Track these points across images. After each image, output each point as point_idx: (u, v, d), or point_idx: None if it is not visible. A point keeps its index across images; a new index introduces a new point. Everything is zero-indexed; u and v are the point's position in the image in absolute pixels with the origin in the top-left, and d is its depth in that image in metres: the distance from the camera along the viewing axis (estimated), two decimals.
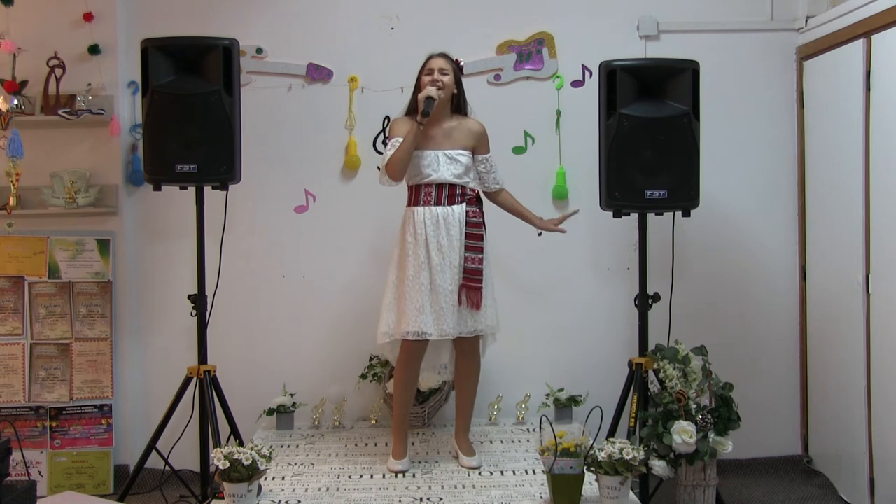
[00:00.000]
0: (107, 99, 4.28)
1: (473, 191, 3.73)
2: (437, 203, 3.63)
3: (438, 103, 3.59)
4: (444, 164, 3.64)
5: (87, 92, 4.22)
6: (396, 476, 3.60)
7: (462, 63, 3.83)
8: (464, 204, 3.65)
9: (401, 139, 3.61)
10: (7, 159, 3.94)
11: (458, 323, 3.60)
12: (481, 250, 3.65)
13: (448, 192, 3.64)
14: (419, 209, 3.63)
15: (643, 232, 3.77)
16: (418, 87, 3.68)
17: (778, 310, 4.50)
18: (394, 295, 3.66)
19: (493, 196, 3.86)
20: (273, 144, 4.40)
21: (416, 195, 3.66)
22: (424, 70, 3.68)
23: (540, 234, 3.89)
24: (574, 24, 4.41)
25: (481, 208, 3.74)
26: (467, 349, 3.72)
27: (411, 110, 3.73)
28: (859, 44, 3.81)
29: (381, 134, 4.42)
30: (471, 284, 3.61)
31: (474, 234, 3.65)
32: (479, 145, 3.74)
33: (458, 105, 3.76)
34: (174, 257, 4.40)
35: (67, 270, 4.29)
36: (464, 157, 3.68)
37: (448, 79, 3.65)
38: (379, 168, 3.74)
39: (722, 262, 4.47)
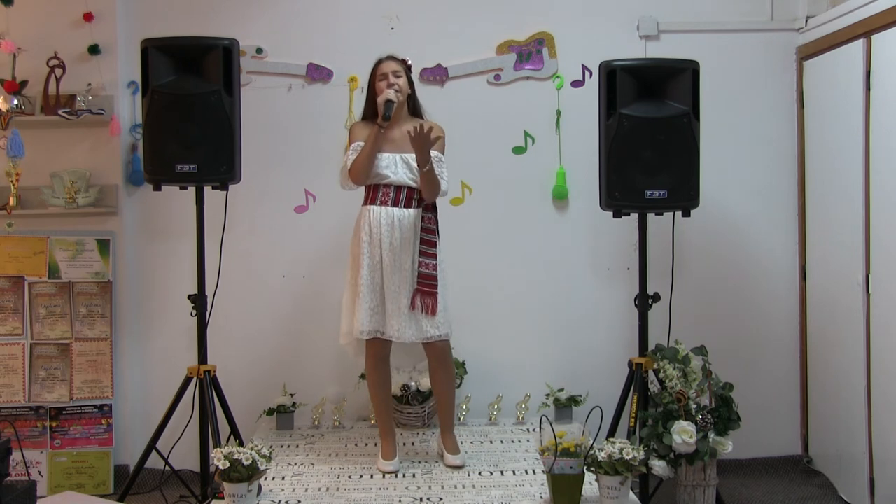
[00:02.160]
0: (107, 99, 4.28)
1: None
2: (394, 204, 3.63)
3: (396, 105, 3.61)
4: (402, 168, 3.64)
5: (87, 92, 4.22)
6: (396, 476, 3.61)
7: (410, 63, 3.83)
8: (420, 209, 3.65)
9: (361, 143, 3.63)
10: (7, 159, 3.94)
11: (415, 328, 3.60)
12: (435, 256, 3.65)
13: (405, 195, 3.64)
14: (375, 208, 3.64)
15: (643, 232, 3.77)
16: (373, 92, 3.70)
17: (778, 310, 4.50)
18: (350, 295, 3.68)
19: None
20: (273, 144, 4.40)
21: (374, 194, 3.66)
22: (377, 75, 3.69)
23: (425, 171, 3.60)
24: (574, 24, 4.41)
25: (436, 215, 3.72)
26: (437, 354, 3.71)
27: (367, 115, 3.74)
28: (859, 44, 3.81)
29: None
30: (425, 290, 3.60)
31: (428, 240, 3.65)
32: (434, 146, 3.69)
33: (413, 107, 3.77)
34: (174, 257, 4.40)
35: (67, 270, 4.29)
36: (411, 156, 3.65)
37: (402, 81, 3.67)
38: (342, 172, 3.73)
39: (722, 262, 4.47)
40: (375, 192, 3.66)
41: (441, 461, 3.76)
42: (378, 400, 3.77)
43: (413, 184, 3.65)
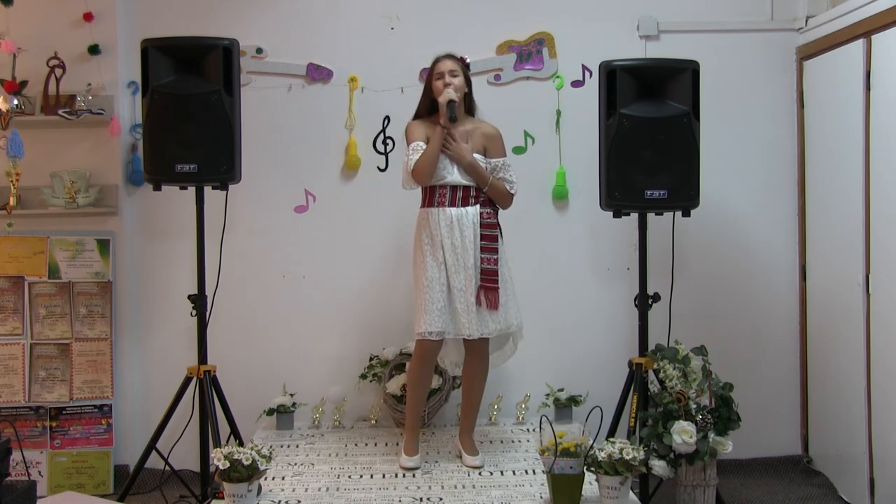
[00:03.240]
0: (107, 99, 4.27)
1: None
2: (452, 205, 3.64)
3: (456, 105, 3.62)
4: (457, 167, 3.65)
5: (87, 92, 4.22)
6: (396, 476, 3.60)
7: (468, 61, 3.84)
8: (478, 206, 3.66)
9: (421, 143, 3.64)
10: (7, 159, 3.93)
11: (478, 323, 3.61)
12: (496, 251, 3.66)
13: (462, 194, 3.65)
14: (434, 210, 3.65)
15: (643, 232, 3.77)
16: (430, 91, 3.70)
17: (778, 310, 4.50)
18: (417, 296, 3.68)
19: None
20: (273, 144, 4.40)
21: (431, 197, 3.68)
22: (434, 74, 3.70)
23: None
24: (574, 24, 4.41)
25: (496, 209, 3.74)
26: (477, 349, 3.73)
27: (422, 113, 3.75)
28: (859, 44, 3.81)
29: (381, 134, 4.42)
30: (487, 285, 3.63)
31: (489, 235, 3.66)
32: (491, 148, 3.73)
33: (469, 105, 3.78)
34: (174, 257, 4.40)
35: (67, 270, 4.29)
36: (478, 159, 3.68)
37: (459, 80, 3.68)
38: (404, 172, 3.72)
39: (722, 262, 4.47)
40: (432, 194, 3.68)
41: (459, 461, 3.76)
42: (415, 397, 3.77)
43: (469, 182, 3.66)
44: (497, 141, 3.75)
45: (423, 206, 3.73)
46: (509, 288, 3.72)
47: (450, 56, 3.73)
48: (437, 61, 3.72)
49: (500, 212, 3.78)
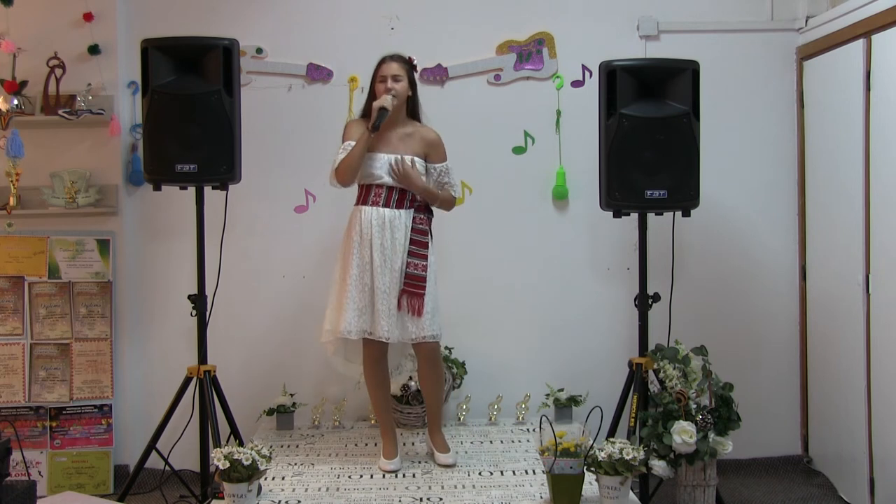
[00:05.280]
0: (107, 99, 4.28)
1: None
2: (386, 205, 3.62)
3: (394, 108, 3.59)
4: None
5: (87, 92, 4.22)
6: (396, 476, 3.60)
7: (415, 61, 3.80)
8: (412, 210, 3.65)
9: (352, 142, 3.62)
10: (7, 159, 3.93)
11: (400, 328, 3.60)
12: (426, 257, 3.64)
13: (398, 196, 3.64)
14: (367, 209, 3.63)
15: (643, 232, 3.77)
16: (373, 92, 3.68)
17: (778, 310, 4.50)
18: (337, 294, 3.65)
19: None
20: (273, 144, 4.40)
21: (366, 195, 3.66)
22: (377, 77, 3.67)
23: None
24: (574, 24, 4.41)
25: (429, 216, 3.72)
26: (426, 355, 3.71)
27: (366, 113, 3.72)
28: (859, 44, 3.81)
29: None
30: (412, 290, 3.60)
31: (419, 241, 3.64)
32: (432, 153, 3.71)
33: (412, 108, 3.75)
34: (174, 257, 4.40)
35: (67, 270, 4.29)
36: (417, 163, 3.66)
37: (401, 85, 3.64)
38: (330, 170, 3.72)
39: (722, 262, 4.47)
40: (368, 192, 3.66)
41: (432, 461, 3.76)
42: (377, 400, 3.78)
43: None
44: (439, 147, 3.72)
45: (357, 203, 3.70)
46: (433, 298, 3.65)
47: (396, 57, 3.68)
48: (382, 62, 3.68)
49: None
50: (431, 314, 3.62)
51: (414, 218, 3.64)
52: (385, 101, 3.57)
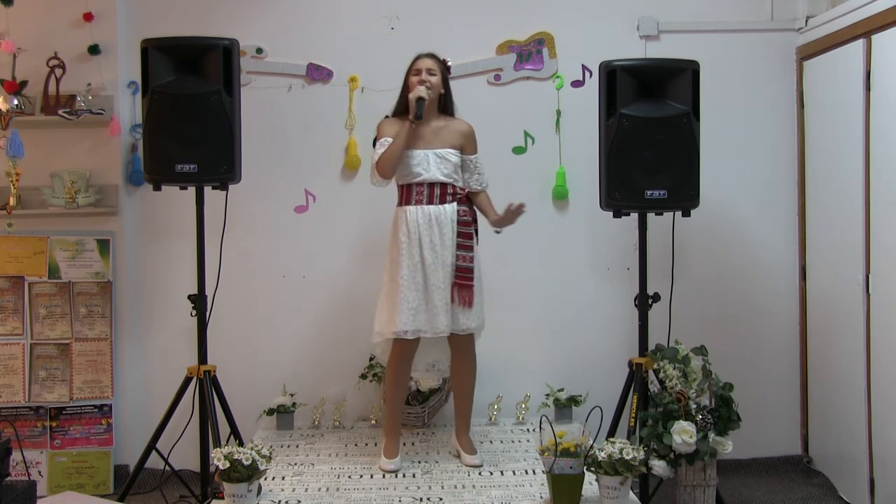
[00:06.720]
0: (107, 99, 4.28)
1: (463, 189, 3.73)
2: (429, 202, 3.64)
3: (427, 103, 3.61)
4: (434, 164, 3.66)
5: (87, 92, 4.22)
6: (396, 476, 3.61)
7: (450, 63, 3.84)
8: (455, 203, 3.67)
9: (389, 139, 3.64)
10: (7, 159, 3.94)
11: (450, 321, 3.62)
12: (472, 248, 3.68)
13: (439, 192, 3.65)
14: (411, 208, 3.65)
15: (643, 232, 3.77)
16: (406, 88, 3.71)
17: (778, 310, 4.50)
18: (388, 295, 3.67)
19: (473, 196, 3.81)
20: (273, 144, 4.40)
21: (408, 195, 3.68)
22: (412, 70, 3.71)
23: (498, 233, 3.78)
24: (574, 24, 4.41)
25: (472, 207, 3.76)
26: (463, 347, 3.74)
27: (399, 111, 3.75)
28: (859, 44, 3.81)
29: None
30: (463, 283, 3.63)
31: (465, 233, 3.67)
32: (466, 145, 3.76)
33: (444, 105, 3.78)
34: (174, 257, 4.40)
35: (67, 270, 4.29)
36: (453, 156, 3.69)
37: (436, 79, 3.67)
38: (371, 168, 3.74)
39: (722, 262, 4.47)
40: (409, 191, 3.67)
41: (458, 460, 3.76)
42: (394, 398, 3.78)
43: (446, 179, 3.66)
44: (472, 138, 3.78)
45: (399, 204, 3.72)
46: (479, 289, 3.71)
47: (431, 55, 3.73)
48: (417, 58, 3.73)
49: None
50: (479, 304, 3.68)
51: (458, 211, 3.67)
52: (420, 91, 3.60)
